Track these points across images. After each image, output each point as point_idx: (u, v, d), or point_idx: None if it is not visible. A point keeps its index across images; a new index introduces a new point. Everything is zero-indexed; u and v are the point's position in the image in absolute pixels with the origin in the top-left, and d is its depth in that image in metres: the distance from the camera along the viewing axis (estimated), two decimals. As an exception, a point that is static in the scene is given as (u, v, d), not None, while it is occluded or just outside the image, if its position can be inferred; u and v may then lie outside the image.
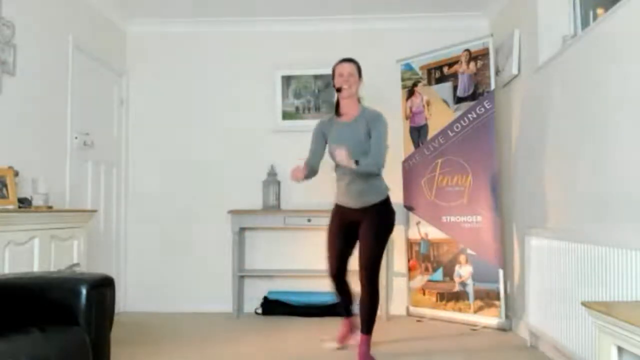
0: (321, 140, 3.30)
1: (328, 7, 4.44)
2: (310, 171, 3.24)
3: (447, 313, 4.09)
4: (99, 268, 3.80)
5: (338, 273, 3.24)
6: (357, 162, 2.96)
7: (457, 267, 4.07)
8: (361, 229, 3.11)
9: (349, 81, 3.16)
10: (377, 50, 4.63)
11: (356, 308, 3.23)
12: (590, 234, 2.58)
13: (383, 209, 3.12)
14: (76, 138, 3.88)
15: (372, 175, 3.09)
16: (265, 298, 4.49)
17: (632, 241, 2.17)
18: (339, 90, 3.18)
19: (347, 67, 3.20)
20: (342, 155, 2.90)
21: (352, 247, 3.22)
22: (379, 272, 3.11)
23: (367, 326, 3.08)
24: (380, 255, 3.10)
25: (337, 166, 3.16)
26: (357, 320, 3.19)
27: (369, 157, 3.04)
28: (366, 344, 3.08)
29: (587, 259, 2.52)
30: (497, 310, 3.85)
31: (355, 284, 3.20)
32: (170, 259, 4.66)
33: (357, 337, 3.17)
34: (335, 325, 4.00)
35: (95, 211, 3.54)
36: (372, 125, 3.08)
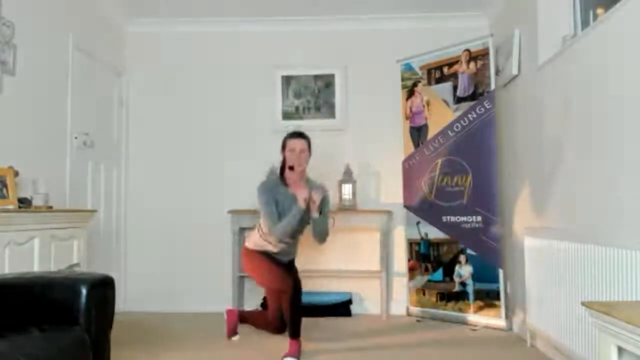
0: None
1: (328, 7, 4.43)
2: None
3: (447, 313, 4.09)
4: (99, 268, 3.79)
5: None
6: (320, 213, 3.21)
7: (457, 267, 4.07)
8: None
9: (300, 158, 3.24)
10: (377, 50, 4.63)
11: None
12: (590, 234, 2.57)
13: None
14: (76, 138, 3.88)
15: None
16: (265, 298, 4.47)
17: (633, 241, 2.17)
18: (290, 168, 3.23)
19: (299, 144, 3.25)
20: (317, 197, 3.12)
21: None
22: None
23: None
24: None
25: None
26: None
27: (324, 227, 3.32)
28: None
29: (587, 258, 2.51)
30: (497, 310, 3.85)
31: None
32: (170, 259, 4.66)
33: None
34: (335, 325, 4.01)
35: (95, 211, 3.55)
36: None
